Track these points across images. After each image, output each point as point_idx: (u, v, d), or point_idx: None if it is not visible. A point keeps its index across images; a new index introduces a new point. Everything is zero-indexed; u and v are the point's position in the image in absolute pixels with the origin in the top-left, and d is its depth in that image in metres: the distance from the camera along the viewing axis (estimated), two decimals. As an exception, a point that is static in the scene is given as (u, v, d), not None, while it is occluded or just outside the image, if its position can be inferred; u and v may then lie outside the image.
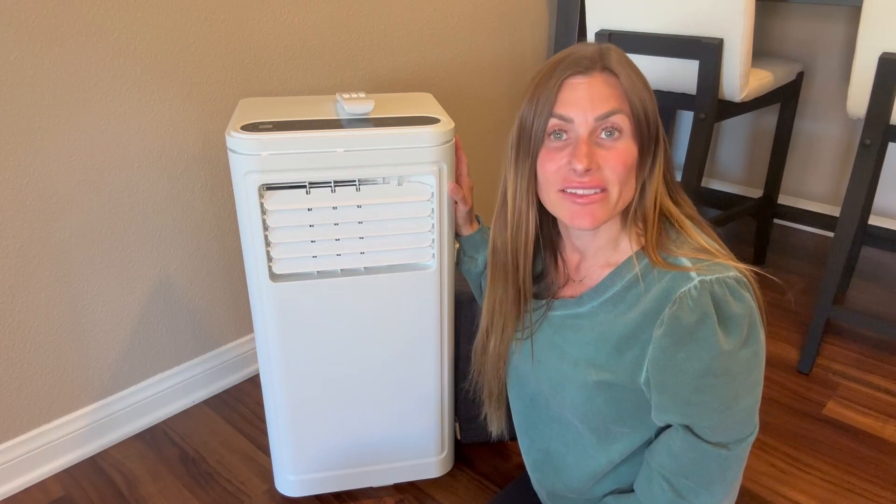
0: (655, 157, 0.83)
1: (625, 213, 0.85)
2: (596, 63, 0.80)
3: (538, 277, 0.96)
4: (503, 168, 0.88)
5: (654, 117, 0.82)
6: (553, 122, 0.80)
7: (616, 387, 0.85)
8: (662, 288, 0.79)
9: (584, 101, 0.79)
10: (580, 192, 0.81)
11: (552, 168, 0.82)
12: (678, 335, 0.77)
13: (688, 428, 0.82)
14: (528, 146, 0.83)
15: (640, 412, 0.86)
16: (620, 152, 0.80)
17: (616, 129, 0.80)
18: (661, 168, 0.84)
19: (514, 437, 1.32)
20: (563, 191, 0.82)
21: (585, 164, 0.78)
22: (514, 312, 0.93)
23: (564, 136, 0.81)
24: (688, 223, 0.85)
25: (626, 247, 0.86)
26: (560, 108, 0.80)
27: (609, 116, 0.79)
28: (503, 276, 0.93)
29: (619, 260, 0.86)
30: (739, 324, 0.77)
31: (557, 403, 0.94)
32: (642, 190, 0.84)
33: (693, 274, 0.78)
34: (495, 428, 1.08)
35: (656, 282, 0.80)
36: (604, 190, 0.81)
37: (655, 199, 0.84)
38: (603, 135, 0.80)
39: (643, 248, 0.84)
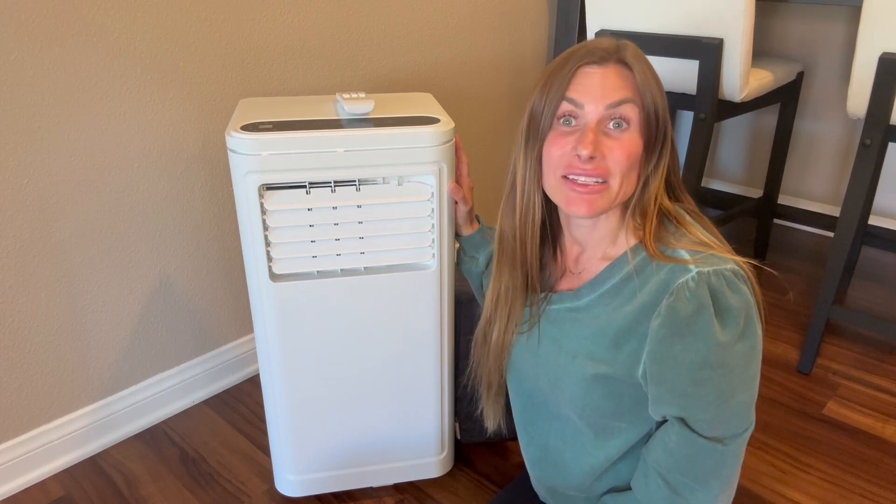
0: (661, 155, 0.84)
1: (624, 208, 0.86)
2: (612, 55, 0.81)
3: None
4: (513, 154, 0.90)
5: (663, 115, 0.82)
6: (564, 105, 0.81)
7: (614, 380, 0.85)
8: (660, 280, 0.80)
9: (596, 89, 0.80)
10: (581, 179, 0.81)
11: (557, 153, 0.82)
12: (675, 326, 0.78)
13: (684, 422, 0.82)
14: (537, 131, 0.84)
15: (637, 407, 0.87)
16: (626, 143, 0.80)
17: (625, 119, 0.80)
18: (665, 167, 0.85)
19: (513, 437, 1.32)
20: (564, 177, 0.83)
21: (590, 150, 0.79)
22: (521, 300, 0.94)
23: (573, 123, 0.82)
24: (687, 218, 0.86)
25: (624, 240, 0.86)
26: (572, 93, 0.81)
27: (620, 105, 0.80)
28: (511, 261, 0.93)
29: (616, 253, 0.86)
30: (736, 316, 0.77)
31: (555, 398, 0.94)
32: (644, 186, 0.85)
33: (691, 266, 0.78)
34: (492, 422, 1.08)
35: (654, 274, 0.81)
36: (605, 181, 0.81)
37: (656, 197, 0.84)
38: (611, 125, 0.80)
39: (641, 242, 0.84)
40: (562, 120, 0.82)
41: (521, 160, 0.88)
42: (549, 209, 0.93)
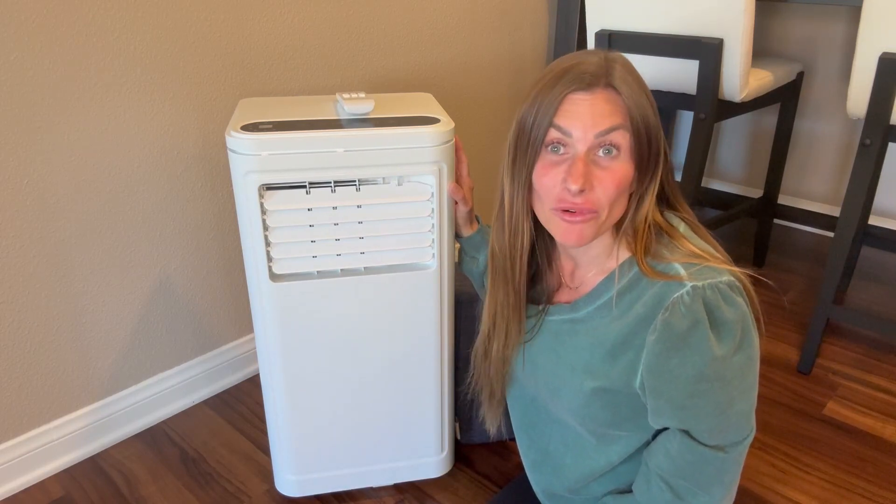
0: (654, 175, 0.82)
1: (617, 225, 0.85)
2: (600, 79, 0.78)
3: (533, 280, 0.96)
4: (501, 167, 0.88)
5: (655, 134, 0.80)
6: (552, 133, 0.79)
7: (612, 392, 0.85)
8: (655, 293, 0.79)
9: (585, 117, 0.77)
10: (572, 210, 0.80)
11: (548, 184, 0.81)
12: (671, 341, 0.77)
13: (684, 431, 0.82)
14: (525, 155, 0.82)
15: (636, 416, 0.86)
16: (615, 173, 0.78)
17: (615, 146, 0.78)
18: (658, 183, 0.83)
19: (513, 437, 1.32)
20: (555, 208, 0.82)
21: (580, 184, 0.77)
22: (517, 315, 0.93)
23: (562, 150, 0.80)
24: (680, 229, 0.85)
25: (620, 253, 0.86)
26: (560, 120, 0.78)
27: (609, 133, 0.77)
28: (503, 280, 0.92)
29: (612, 266, 0.86)
30: (732, 329, 0.77)
31: (556, 406, 0.94)
32: (637, 205, 0.83)
33: (685, 280, 0.78)
34: (493, 427, 1.08)
35: (649, 286, 0.80)
36: (594, 211, 0.80)
37: (647, 215, 0.83)
38: (601, 153, 0.79)
39: (634, 255, 0.84)
40: (550, 147, 0.80)
41: (509, 180, 0.85)
42: (540, 225, 0.92)
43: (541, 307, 0.94)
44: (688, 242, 0.82)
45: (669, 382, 0.79)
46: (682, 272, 0.78)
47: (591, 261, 0.89)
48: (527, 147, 0.81)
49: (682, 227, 0.86)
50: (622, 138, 0.78)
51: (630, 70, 0.80)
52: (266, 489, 1.33)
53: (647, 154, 0.80)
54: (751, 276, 0.82)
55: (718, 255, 0.82)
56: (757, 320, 0.81)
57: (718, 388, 0.78)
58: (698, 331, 0.76)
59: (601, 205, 0.79)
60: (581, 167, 0.77)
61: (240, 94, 1.46)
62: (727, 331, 0.77)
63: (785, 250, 2.27)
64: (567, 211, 0.80)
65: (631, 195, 0.83)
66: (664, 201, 0.88)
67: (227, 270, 1.55)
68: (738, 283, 0.79)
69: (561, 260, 0.94)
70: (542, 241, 0.93)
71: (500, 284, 0.93)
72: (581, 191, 0.78)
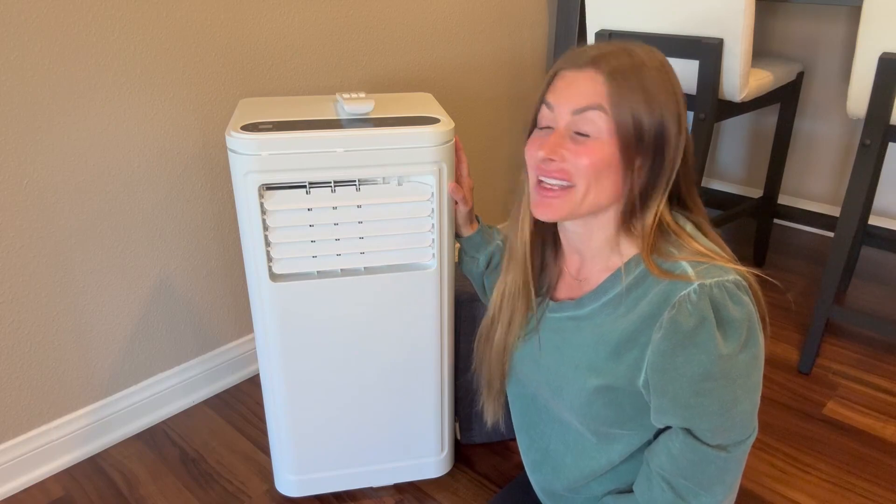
0: (659, 169, 0.82)
1: (625, 220, 0.85)
2: (590, 62, 0.80)
3: (538, 272, 0.97)
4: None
5: (650, 128, 0.79)
6: (543, 109, 0.84)
7: (615, 390, 0.85)
8: (662, 291, 0.79)
9: (566, 93, 0.81)
10: (548, 181, 0.83)
11: (530, 156, 0.85)
12: (677, 339, 0.77)
13: (687, 430, 0.82)
14: (528, 135, 0.87)
15: (639, 415, 0.86)
16: (590, 150, 0.79)
17: (592, 125, 0.79)
18: (669, 181, 0.83)
19: (513, 437, 1.32)
20: (539, 181, 0.84)
21: (546, 152, 0.80)
22: (524, 302, 0.94)
23: (553, 128, 0.83)
24: (687, 228, 0.85)
25: (626, 250, 0.86)
26: (549, 95, 0.83)
27: (585, 111, 0.79)
28: (514, 262, 0.94)
29: (618, 263, 0.86)
30: (738, 328, 0.77)
31: (557, 405, 0.94)
32: (644, 204, 0.83)
33: (692, 279, 0.78)
34: (491, 418, 1.08)
35: (655, 284, 0.80)
36: (571, 185, 0.81)
37: (656, 215, 0.83)
38: (579, 130, 0.81)
39: (641, 253, 0.84)
40: (543, 124, 0.84)
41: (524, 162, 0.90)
42: None
43: (542, 300, 0.94)
44: (694, 241, 0.82)
45: (675, 380, 0.79)
46: (689, 270, 0.79)
47: (595, 255, 0.88)
48: (531, 127, 0.86)
49: (688, 226, 0.86)
50: (598, 118, 0.79)
51: (633, 65, 0.79)
52: (266, 489, 1.33)
53: (636, 144, 0.79)
54: (757, 276, 0.82)
55: (725, 254, 0.82)
56: (763, 320, 0.81)
57: (723, 387, 0.78)
58: (705, 329, 0.76)
59: (576, 177, 0.80)
60: (553, 138, 0.81)
61: (240, 94, 1.46)
62: (733, 329, 0.77)
63: (785, 250, 2.27)
64: (544, 185, 0.83)
65: (640, 192, 0.82)
66: (678, 201, 0.87)
67: (227, 270, 1.55)
68: (744, 282, 0.79)
69: (567, 254, 0.94)
70: (549, 233, 0.95)
71: (512, 267, 0.95)
72: (550, 160, 0.80)
